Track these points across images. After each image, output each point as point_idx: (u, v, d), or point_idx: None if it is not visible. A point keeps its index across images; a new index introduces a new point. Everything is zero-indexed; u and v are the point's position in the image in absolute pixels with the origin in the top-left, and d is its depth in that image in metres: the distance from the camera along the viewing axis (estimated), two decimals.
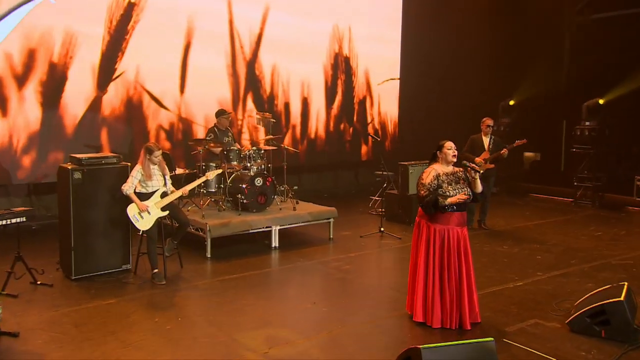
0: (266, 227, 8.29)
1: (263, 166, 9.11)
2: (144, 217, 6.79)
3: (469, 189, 5.60)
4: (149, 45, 10.30)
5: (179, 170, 8.85)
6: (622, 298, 5.33)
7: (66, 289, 6.57)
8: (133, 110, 10.26)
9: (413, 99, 14.32)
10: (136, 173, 6.82)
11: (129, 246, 7.20)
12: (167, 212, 6.94)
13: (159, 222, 6.94)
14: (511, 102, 13.90)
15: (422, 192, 5.56)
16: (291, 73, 12.26)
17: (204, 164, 8.77)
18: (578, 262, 7.83)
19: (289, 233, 9.02)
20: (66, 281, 6.83)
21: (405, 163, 10.01)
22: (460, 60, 14.18)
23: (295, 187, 13.14)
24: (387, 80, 13.78)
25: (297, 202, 9.26)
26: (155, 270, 6.89)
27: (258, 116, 9.75)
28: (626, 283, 5.71)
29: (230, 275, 7.17)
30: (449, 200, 5.44)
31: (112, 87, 10.07)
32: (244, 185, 8.38)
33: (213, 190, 8.80)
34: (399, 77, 13.97)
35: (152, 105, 10.53)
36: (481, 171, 5.52)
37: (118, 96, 10.14)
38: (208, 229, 7.77)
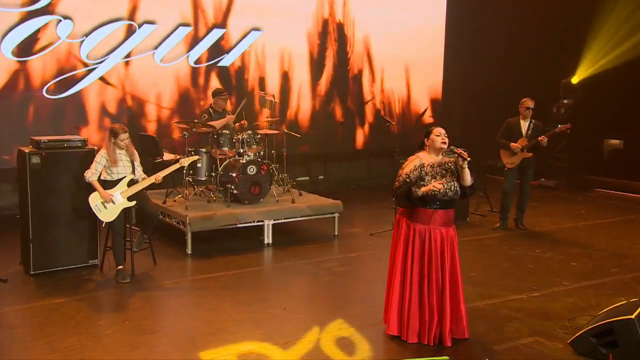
0: (257, 222, 8.22)
1: (262, 152, 9.05)
2: (108, 207, 6.84)
3: (456, 183, 5.34)
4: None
5: (167, 156, 8.86)
6: (633, 316, 4.97)
7: (20, 285, 6.72)
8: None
9: (457, 79, 13.96)
10: (100, 158, 6.87)
11: (96, 239, 7.28)
12: (134, 203, 6.96)
13: (126, 213, 6.96)
14: (574, 80, 13.28)
15: (397, 182, 5.34)
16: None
17: (192, 149, 8.77)
18: (620, 272, 7.43)
19: (290, 229, 8.94)
20: (24, 277, 6.97)
21: None
22: (515, 33, 13.67)
23: (321, 177, 13.16)
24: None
25: (301, 194, 9.17)
26: (120, 267, 6.95)
27: (262, 95, 9.66)
28: None
29: (206, 274, 7.16)
30: (422, 190, 5.19)
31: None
32: (234, 174, 8.33)
33: (203, 179, 8.79)
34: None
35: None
36: (468, 159, 5.23)
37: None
38: (188, 222, 7.76)
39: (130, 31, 10.58)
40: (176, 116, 10.84)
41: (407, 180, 5.27)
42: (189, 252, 7.84)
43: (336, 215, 8.77)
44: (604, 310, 5.44)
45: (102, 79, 10.46)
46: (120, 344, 5.27)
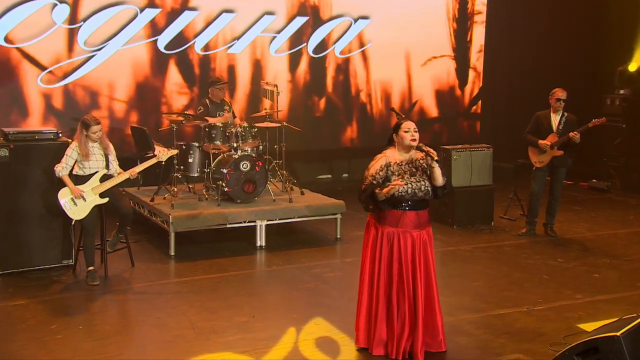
0: (248, 222, 8.32)
1: (260, 147, 9.15)
2: (78, 204, 7.05)
3: (427, 182, 5.30)
4: None
5: (160, 150, 9.01)
6: (619, 333, 4.85)
7: None
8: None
9: (497, 69, 13.79)
10: (71, 152, 7.08)
11: (70, 239, 7.49)
12: (106, 200, 7.15)
13: (99, 211, 7.15)
14: (632, 67, 12.92)
15: (363, 184, 5.35)
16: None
17: (183, 143, 8.94)
18: None
19: (289, 231, 9.05)
20: None
21: (449, 147, 9.66)
22: (560, 12, 13.41)
23: (345, 175, 13.20)
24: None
25: (303, 193, 9.23)
26: (91, 268, 7.14)
27: (267, 87, 9.76)
28: None
29: (182, 278, 7.32)
30: (383, 192, 5.16)
31: None
32: (225, 170, 8.45)
33: (195, 175, 8.94)
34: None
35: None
36: (436, 158, 5.20)
37: None
38: (170, 221, 7.92)
39: (132, 16, 10.80)
40: (182, 107, 11.07)
41: (373, 182, 5.25)
42: (172, 254, 8.00)
43: (338, 216, 8.78)
44: (599, 327, 5.32)
45: (101, 66, 10.71)
46: (63, 350, 5.44)
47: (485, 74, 13.87)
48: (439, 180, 5.28)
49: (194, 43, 11.37)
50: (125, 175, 7.17)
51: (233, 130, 8.62)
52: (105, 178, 7.16)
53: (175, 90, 11.29)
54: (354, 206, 8.87)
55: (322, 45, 12.33)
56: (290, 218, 8.59)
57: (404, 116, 9.23)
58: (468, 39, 13.57)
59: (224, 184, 8.45)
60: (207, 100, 9.34)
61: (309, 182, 12.02)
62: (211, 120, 8.86)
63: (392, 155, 5.35)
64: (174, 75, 11.26)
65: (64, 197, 7.03)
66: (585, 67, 12.79)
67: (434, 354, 5.41)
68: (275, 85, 9.55)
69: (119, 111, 10.99)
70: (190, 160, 8.86)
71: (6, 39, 10.28)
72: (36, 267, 7.44)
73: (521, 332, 5.94)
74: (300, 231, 9.17)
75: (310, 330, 5.90)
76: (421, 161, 5.35)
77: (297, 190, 9.25)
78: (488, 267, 7.80)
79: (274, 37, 11.89)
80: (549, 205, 9.26)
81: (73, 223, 7.22)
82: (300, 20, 12.03)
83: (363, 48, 12.69)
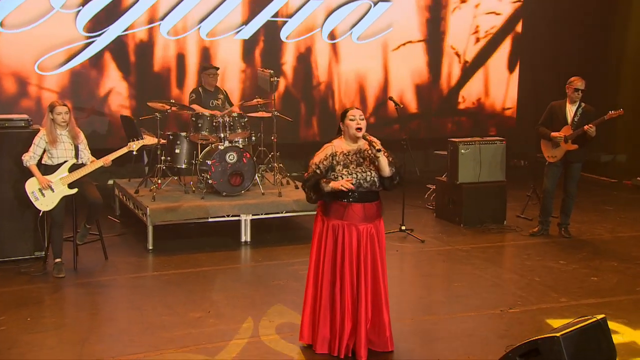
0: (232, 216, 8.69)
1: (253, 138, 9.51)
2: (46, 194, 7.51)
3: (374, 173, 5.56)
4: None
5: (149, 140, 9.43)
6: (559, 334, 5.04)
7: None
8: None
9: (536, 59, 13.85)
10: (38, 140, 7.55)
11: (40, 231, 7.98)
12: (75, 190, 7.59)
13: (67, 202, 7.61)
14: None
15: (307, 173, 5.63)
16: None
17: (170, 133, 9.36)
18: None
19: (281, 226, 9.44)
20: None
21: (456, 140, 9.83)
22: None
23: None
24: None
25: (297, 187, 9.53)
26: (58, 260, 7.59)
27: (263, 75, 10.09)
28: (603, 316, 5.38)
29: (152, 272, 7.77)
30: (330, 185, 5.45)
31: None
32: (210, 162, 8.83)
33: (182, 166, 9.35)
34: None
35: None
36: (378, 148, 5.44)
37: None
38: (148, 213, 8.35)
39: (133, 1, 11.32)
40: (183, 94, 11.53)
41: (317, 171, 5.53)
42: (150, 248, 8.43)
43: None
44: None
45: (100, 53, 11.25)
46: (2, 342, 5.87)
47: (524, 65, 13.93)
48: (386, 170, 5.51)
49: (198, 28, 11.75)
50: (99, 163, 7.58)
51: (220, 120, 8.97)
52: (74, 168, 7.59)
53: (176, 76, 11.71)
54: None
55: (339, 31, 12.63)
56: (277, 213, 8.90)
57: (402, 106, 9.53)
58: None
59: (208, 176, 8.82)
60: (199, 88, 9.72)
61: None
62: (198, 109, 9.24)
63: (339, 145, 5.62)
64: (176, 61, 11.69)
65: (32, 188, 7.49)
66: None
67: (380, 354, 5.64)
68: (272, 72, 9.83)
69: (118, 99, 11.48)
70: (177, 151, 9.27)
71: (2, 25, 10.85)
72: (6, 259, 7.90)
73: (482, 334, 6.12)
74: (294, 227, 9.49)
75: (265, 329, 6.21)
76: (368, 152, 5.58)
77: (292, 185, 9.55)
78: (478, 267, 7.96)
79: (285, 22, 12.20)
80: (563, 203, 9.32)
81: (41, 214, 7.67)
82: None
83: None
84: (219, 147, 8.91)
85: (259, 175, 9.28)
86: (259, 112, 9.56)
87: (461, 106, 13.75)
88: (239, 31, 12.00)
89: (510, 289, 7.31)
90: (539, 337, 5.16)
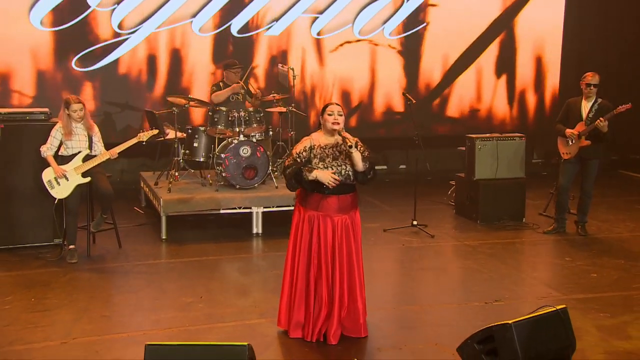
0: (243, 209, 9.14)
1: (270, 132, 9.94)
2: (61, 183, 8.09)
3: (348, 167, 5.89)
4: None
5: (173, 134, 9.96)
6: (511, 321, 5.30)
7: None
8: None
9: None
10: (55, 132, 8.13)
11: (54, 218, 8.55)
12: (88, 179, 8.15)
13: (82, 190, 8.17)
14: None
15: (287, 161, 6.02)
16: None
17: (189, 127, 9.88)
18: None
19: None
20: None
21: (473, 136, 10.06)
22: None
23: (403, 167, 13.71)
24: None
25: None
26: (71, 247, 8.15)
27: (283, 71, 10.51)
28: (564, 306, 5.61)
29: (159, 260, 8.26)
30: (313, 174, 5.81)
31: None
32: (224, 155, 9.30)
33: (201, 159, 9.86)
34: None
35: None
36: (349, 143, 5.77)
37: None
38: (161, 204, 8.87)
39: None
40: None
41: (297, 160, 5.92)
42: (164, 237, 8.94)
43: None
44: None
45: (134, 49, 11.90)
46: (4, 319, 6.43)
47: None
48: (358, 165, 5.86)
49: (229, 25, 12.24)
50: (106, 155, 8.12)
51: (236, 114, 9.42)
52: (87, 158, 8.14)
53: (209, 72, 12.24)
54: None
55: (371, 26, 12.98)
56: (288, 206, 9.27)
57: (414, 101, 9.80)
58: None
59: (223, 169, 9.28)
60: (221, 82, 10.18)
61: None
62: (219, 93, 9.68)
63: (317, 138, 6.00)
64: (209, 57, 12.24)
65: (48, 177, 8.08)
66: None
67: (353, 339, 5.98)
68: (292, 69, 10.25)
69: (150, 94, 12.07)
70: (195, 144, 9.78)
71: (42, 23, 11.55)
72: (28, 245, 8.51)
73: (457, 324, 6.38)
74: None
75: (250, 313, 6.64)
76: (345, 146, 5.93)
77: None
78: (479, 262, 8.20)
79: (316, 18, 12.60)
80: (580, 201, 9.44)
81: (56, 202, 8.24)
82: None
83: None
84: (233, 141, 9.33)
85: (273, 169, 9.64)
86: (276, 107, 9.93)
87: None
88: (269, 28, 12.36)
89: (503, 284, 7.51)
90: (494, 324, 5.41)
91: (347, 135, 5.87)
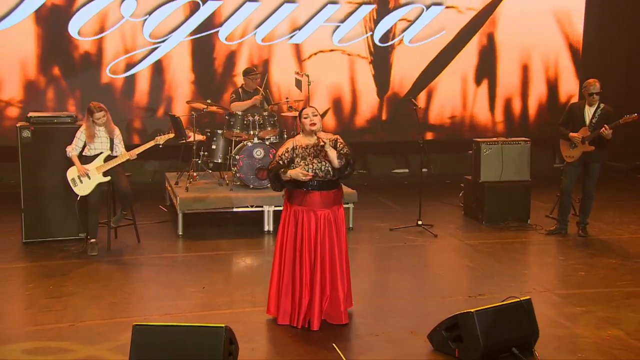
0: (255, 207, 9.64)
1: (285, 135, 10.43)
2: (84, 181, 8.69)
3: (328, 164, 6.36)
4: None
5: (197, 137, 10.51)
6: (473, 310, 5.69)
7: (5, 251, 8.78)
8: None
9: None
10: (79, 134, 8.75)
11: (82, 214, 9.15)
12: (109, 178, 8.74)
13: (103, 188, 8.76)
14: None
15: (270, 164, 6.51)
16: None
17: (209, 130, 10.43)
18: (626, 285, 7.73)
19: None
20: (18, 244, 9.02)
21: (480, 140, 10.40)
22: None
23: (425, 170, 14.01)
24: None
25: None
26: (92, 241, 8.75)
27: (299, 77, 11.00)
28: (528, 297, 5.97)
29: (172, 253, 8.79)
30: (288, 173, 6.30)
31: None
32: (238, 157, 9.83)
33: (219, 161, 10.41)
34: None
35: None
36: (322, 144, 6.23)
37: None
38: (177, 202, 9.42)
39: (193, 8, 12.49)
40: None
41: (280, 162, 6.41)
42: (180, 233, 9.48)
43: (350, 205, 9.84)
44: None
45: (163, 58, 12.53)
46: (24, 302, 7.06)
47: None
48: (334, 162, 6.31)
49: (254, 34, 12.78)
50: (126, 156, 8.70)
51: (251, 118, 9.95)
52: (109, 159, 8.74)
53: (233, 79, 12.81)
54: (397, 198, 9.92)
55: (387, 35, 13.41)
56: None
57: (420, 107, 10.19)
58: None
59: (237, 170, 9.81)
60: (240, 89, 10.72)
61: (383, 175, 13.23)
62: (238, 104, 10.22)
63: (299, 140, 6.50)
64: (234, 64, 12.82)
65: (72, 175, 8.69)
66: None
67: (335, 326, 6.43)
68: (305, 75, 10.74)
69: (179, 100, 12.65)
70: (213, 147, 10.34)
71: (79, 33, 12.24)
72: (55, 239, 9.13)
73: (436, 315, 6.66)
74: None
75: (243, 300, 7.13)
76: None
77: None
78: (473, 260, 8.55)
79: (338, 27, 13.07)
80: (582, 203, 9.69)
81: (79, 198, 8.82)
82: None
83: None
84: (247, 143, 9.85)
85: None
86: (290, 112, 10.43)
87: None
88: (292, 36, 12.87)
89: (492, 280, 7.85)
90: (459, 312, 5.81)
91: (322, 135, 6.37)
